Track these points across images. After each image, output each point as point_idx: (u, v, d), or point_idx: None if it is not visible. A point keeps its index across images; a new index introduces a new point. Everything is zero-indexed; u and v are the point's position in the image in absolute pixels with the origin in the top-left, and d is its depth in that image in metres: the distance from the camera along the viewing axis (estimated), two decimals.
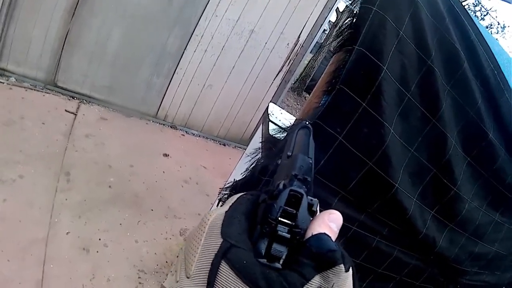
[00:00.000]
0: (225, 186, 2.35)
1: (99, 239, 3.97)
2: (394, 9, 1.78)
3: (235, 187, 2.18)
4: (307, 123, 0.87)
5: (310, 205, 0.58)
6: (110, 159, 5.25)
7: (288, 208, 0.55)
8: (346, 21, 1.96)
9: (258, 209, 0.59)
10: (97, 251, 3.84)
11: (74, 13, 5.64)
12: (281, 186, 0.58)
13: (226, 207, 0.60)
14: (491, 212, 2.49)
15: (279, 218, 0.54)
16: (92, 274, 3.60)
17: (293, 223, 0.54)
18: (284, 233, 0.53)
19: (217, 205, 2.43)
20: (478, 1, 20.60)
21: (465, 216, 2.32)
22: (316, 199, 0.59)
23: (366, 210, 2.03)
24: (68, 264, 3.57)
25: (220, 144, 7.94)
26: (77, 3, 5.58)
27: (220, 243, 0.52)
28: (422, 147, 2.03)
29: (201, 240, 0.55)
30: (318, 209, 0.61)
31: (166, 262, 4.17)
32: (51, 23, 5.64)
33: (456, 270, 2.47)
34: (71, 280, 3.46)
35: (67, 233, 3.86)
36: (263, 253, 0.52)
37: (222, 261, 0.50)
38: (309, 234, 0.56)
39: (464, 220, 2.34)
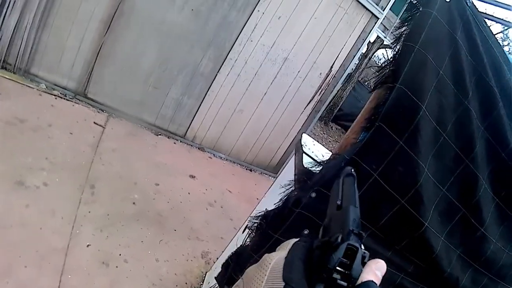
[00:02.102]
0: (256, 215, 2.36)
1: (120, 255, 3.94)
2: (435, 48, 1.81)
3: (266, 217, 2.21)
4: (352, 170, 0.93)
5: (363, 257, 0.64)
6: (135, 176, 5.25)
7: (344, 260, 0.62)
8: (380, 53, 1.96)
9: (313, 255, 0.66)
10: (117, 266, 3.80)
11: (109, 25, 5.72)
12: (339, 240, 0.64)
13: (285, 252, 0.66)
14: None
15: (337, 267, 0.60)
16: None
17: (348, 272, 0.61)
18: (341, 281, 0.60)
19: (243, 231, 2.41)
20: (507, 36, 20.70)
21: (490, 256, 2.31)
22: (367, 252, 0.66)
23: (394, 247, 2.03)
24: (86, 276, 3.54)
25: (246, 169, 7.94)
26: (114, 16, 5.67)
27: (282, 287, 0.58)
28: (453, 187, 2.03)
29: (263, 282, 0.60)
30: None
31: (186, 283, 4.13)
32: (85, 34, 5.73)
33: None
34: None
35: (88, 245, 3.83)
36: None
37: None
38: (359, 280, 0.62)
39: (488, 261, 2.32)
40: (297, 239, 0.70)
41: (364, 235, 0.68)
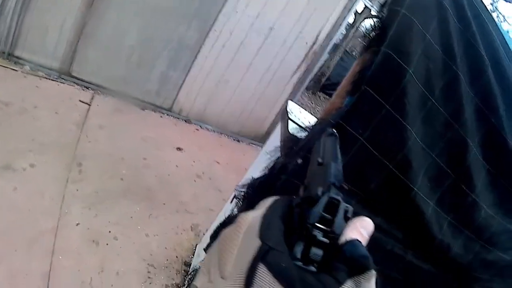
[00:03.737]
0: (242, 184, 2.31)
1: (109, 232, 3.95)
2: (422, 13, 1.77)
3: (253, 185, 2.16)
4: (333, 130, 0.91)
5: (345, 212, 0.60)
6: (123, 151, 5.25)
7: (326, 214, 0.57)
8: (369, 21, 1.94)
9: (292, 212, 0.61)
10: (107, 244, 3.82)
11: (92, 3, 5.64)
12: (319, 193, 0.60)
13: (262, 210, 0.61)
14: (506, 221, 2.45)
15: (317, 224, 0.56)
16: (101, 267, 3.58)
17: (330, 229, 0.56)
18: (323, 238, 0.55)
19: (231, 201, 2.41)
20: (496, 8, 20.55)
21: (481, 223, 2.29)
22: (351, 206, 0.61)
23: (383, 213, 2.00)
24: (76, 256, 3.54)
25: (234, 140, 7.96)
26: None
27: (258, 245, 0.52)
28: (443, 153, 2.00)
29: (238, 241, 0.56)
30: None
31: (176, 257, 4.15)
32: (68, 13, 5.65)
33: (468, 276, 2.43)
34: (79, 272, 3.44)
35: (77, 224, 3.84)
36: (300, 257, 0.53)
37: (260, 264, 0.50)
38: (342, 239, 0.57)
39: (480, 228, 2.31)
40: (277, 197, 0.65)
41: (346, 187, 0.69)
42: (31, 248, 3.39)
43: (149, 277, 3.77)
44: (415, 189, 1.90)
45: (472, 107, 2.03)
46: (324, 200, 0.59)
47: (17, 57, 5.76)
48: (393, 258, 2.17)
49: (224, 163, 6.57)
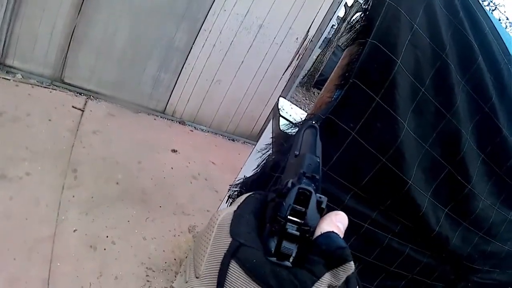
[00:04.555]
0: (235, 183, 2.33)
1: (107, 237, 3.96)
2: (407, 2, 1.75)
3: (246, 184, 2.16)
4: (313, 122, 0.87)
5: (319, 203, 0.57)
6: (117, 156, 5.24)
7: (297, 206, 0.55)
8: (358, 14, 1.91)
9: (267, 207, 0.59)
10: (105, 249, 3.82)
11: (80, 9, 5.63)
12: (289, 184, 0.58)
13: (235, 206, 0.60)
14: (504, 211, 2.45)
15: (288, 216, 0.54)
16: (100, 272, 3.58)
17: (302, 221, 0.54)
18: (293, 231, 0.53)
19: (227, 201, 2.41)
20: None
21: (479, 214, 2.29)
22: (325, 197, 0.59)
23: (379, 207, 1.99)
24: (75, 262, 3.55)
25: (229, 139, 7.96)
26: None
27: (229, 242, 0.52)
28: (436, 143, 1.99)
29: (210, 239, 0.55)
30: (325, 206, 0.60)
31: (175, 259, 4.15)
32: (57, 19, 5.64)
33: (467, 268, 2.44)
34: (78, 278, 3.44)
35: (74, 230, 3.84)
36: (273, 252, 0.52)
37: (232, 260, 0.50)
38: (318, 232, 0.56)
39: (478, 219, 2.30)
40: (252, 192, 0.65)
41: (318, 177, 0.64)
42: (29, 256, 3.39)
43: (148, 281, 3.76)
44: (410, 181, 1.90)
45: (464, 96, 2.01)
46: (294, 191, 0.57)
47: (9, 66, 5.75)
48: (391, 253, 2.18)
49: (220, 163, 6.58)
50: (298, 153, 0.74)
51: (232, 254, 0.50)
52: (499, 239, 2.49)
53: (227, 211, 0.59)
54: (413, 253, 2.23)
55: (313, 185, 0.61)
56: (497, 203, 2.39)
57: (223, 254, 0.51)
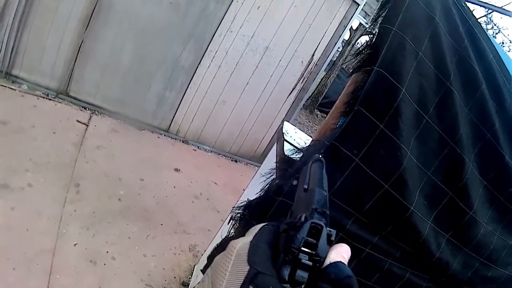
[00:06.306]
0: (238, 205, 2.32)
1: (107, 252, 3.94)
2: (413, 30, 1.77)
3: (249, 207, 2.17)
4: (320, 156, 0.93)
5: (329, 236, 0.64)
6: (120, 172, 5.24)
7: (309, 239, 0.61)
8: (364, 39, 1.92)
9: (279, 238, 0.65)
10: (105, 264, 3.81)
11: (88, 23, 5.68)
12: (302, 219, 0.64)
13: (250, 237, 0.65)
14: (505, 236, 2.45)
15: (302, 248, 0.60)
16: (99, 287, 3.57)
17: (314, 252, 0.60)
18: (306, 261, 0.59)
19: (229, 222, 2.39)
20: (490, 19, 20.83)
21: (480, 240, 2.29)
22: (334, 230, 0.65)
23: (380, 232, 2.01)
24: (74, 276, 3.54)
25: (231, 160, 7.95)
26: (92, 15, 5.64)
27: (247, 270, 0.57)
28: (439, 170, 2.00)
29: (228, 267, 0.59)
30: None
31: (174, 277, 4.14)
32: (65, 33, 5.68)
33: None
34: None
35: (75, 244, 3.83)
36: (287, 279, 0.57)
37: (250, 287, 0.54)
38: (327, 262, 0.62)
39: (479, 245, 2.31)
40: (265, 223, 0.70)
41: (327, 212, 0.69)
42: (29, 267, 3.38)
43: None
44: (411, 208, 1.90)
45: (467, 123, 2.03)
46: (307, 225, 0.62)
47: (15, 76, 5.78)
48: (391, 277, 2.18)
49: (222, 184, 6.56)
50: (307, 187, 0.79)
51: (250, 281, 0.55)
52: (500, 264, 2.49)
53: (243, 240, 0.64)
54: (413, 278, 2.23)
55: (324, 219, 0.66)
56: (499, 229, 2.39)
57: (242, 280, 0.55)
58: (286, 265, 0.58)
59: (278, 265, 0.59)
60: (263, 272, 0.56)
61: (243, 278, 0.55)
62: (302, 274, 0.57)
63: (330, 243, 0.64)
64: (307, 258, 0.59)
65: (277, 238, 0.65)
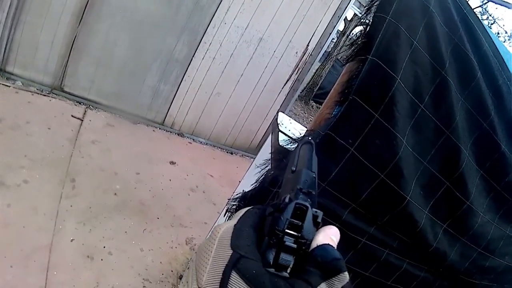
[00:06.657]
0: (234, 197, 2.32)
1: (104, 247, 3.94)
2: (408, 19, 1.76)
3: (244, 198, 2.16)
4: (309, 138, 0.93)
5: (315, 217, 0.62)
6: (116, 166, 5.23)
7: (294, 220, 0.59)
8: (358, 29, 1.92)
9: (265, 221, 0.63)
10: (102, 259, 3.80)
11: (81, 19, 5.65)
12: (287, 200, 0.62)
13: (235, 220, 0.63)
14: (503, 226, 2.45)
15: (286, 230, 0.58)
16: (96, 282, 3.56)
17: (299, 234, 0.58)
18: (291, 244, 0.57)
19: (225, 215, 2.40)
20: (486, 10, 20.78)
21: (478, 230, 2.28)
22: (320, 211, 0.63)
23: (377, 222, 1.99)
24: (72, 272, 3.53)
25: (227, 152, 7.95)
26: (85, 9, 5.60)
27: (230, 254, 0.55)
28: (435, 160, 1.99)
29: (211, 252, 0.57)
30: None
31: (172, 271, 4.13)
32: (58, 28, 5.65)
33: (465, 282, 2.43)
34: None
35: (72, 240, 3.82)
36: (271, 263, 0.55)
37: (233, 271, 0.52)
38: (314, 245, 0.60)
39: (476, 234, 2.30)
40: (250, 207, 0.68)
41: (313, 193, 0.67)
42: (26, 264, 3.38)
43: None
44: (408, 197, 1.89)
45: (463, 112, 2.02)
46: (291, 206, 0.60)
47: (9, 73, 5.76)
48: (388, 267, 2.17)
49: (218, 176, 6.56)
50: (294, 168, 0.78)
51: (233, 265, 0.53)
52: (497, 254, 2.48)
53: (227, 225, 0.62)
54: (411, 268, 2.22)
55: (309, 200, 0.65)
56: (496, 219, 2.38)
57: (225, 265, 0.53)
58: (271, 248, 0.57)
59: (263, 249, 0.57)
60: (247, 256, 0.54)
61: (226, 263, 0.54)
62: (286, 258, 0.56)
63: (317, 225, 0.62)
64: (292, 241, 0.57)
65: (262, 221, 0.63)
